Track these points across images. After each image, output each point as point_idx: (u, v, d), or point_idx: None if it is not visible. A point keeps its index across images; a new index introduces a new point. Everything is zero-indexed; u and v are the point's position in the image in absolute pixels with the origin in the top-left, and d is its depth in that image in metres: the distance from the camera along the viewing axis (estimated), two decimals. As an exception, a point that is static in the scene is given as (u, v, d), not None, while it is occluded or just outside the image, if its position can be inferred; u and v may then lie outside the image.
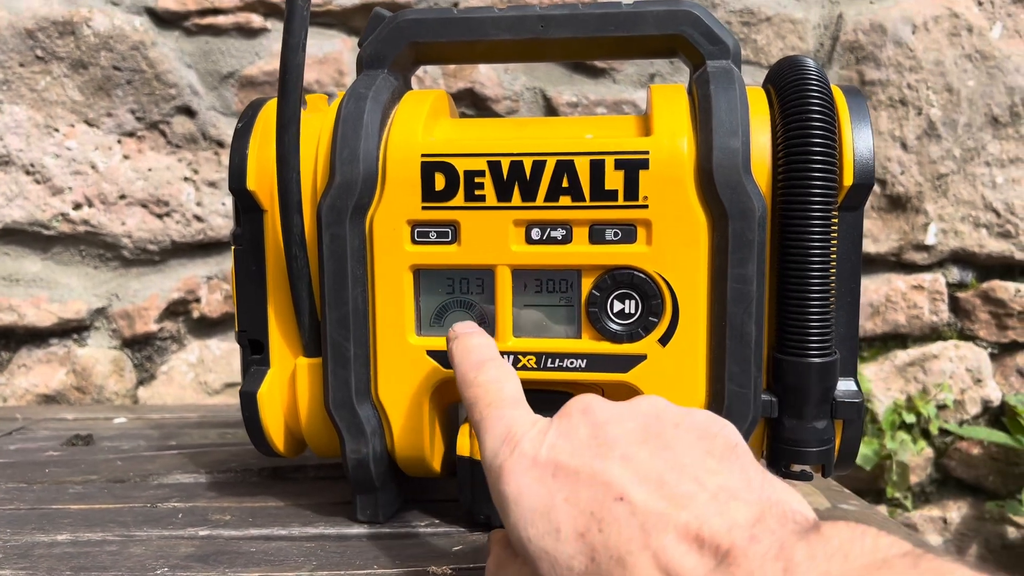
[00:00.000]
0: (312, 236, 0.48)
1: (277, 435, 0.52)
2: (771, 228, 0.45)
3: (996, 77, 0.96)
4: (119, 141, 0.92)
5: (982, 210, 0.98)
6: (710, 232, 0.45)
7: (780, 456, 0.46)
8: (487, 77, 0.94)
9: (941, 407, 1.01)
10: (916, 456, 1.00)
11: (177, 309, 0.95)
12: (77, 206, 0.91)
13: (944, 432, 1.01)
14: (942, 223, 0.98)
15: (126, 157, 0.92)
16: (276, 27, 0.92)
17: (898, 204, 0.98)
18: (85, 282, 0.94)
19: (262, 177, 0.49)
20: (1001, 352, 1.03)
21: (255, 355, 0.51)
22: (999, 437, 0.98)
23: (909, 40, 0.95)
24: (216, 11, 0.91)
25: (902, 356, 1.01)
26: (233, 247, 0.51)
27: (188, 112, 0.93)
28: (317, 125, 0.50)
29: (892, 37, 0.95)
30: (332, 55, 0.93)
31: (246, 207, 0.50)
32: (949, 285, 1.01)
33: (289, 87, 0.45)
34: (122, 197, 0.92)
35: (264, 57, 0.93)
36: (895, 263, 1.00)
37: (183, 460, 0.64)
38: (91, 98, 0.91)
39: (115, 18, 0.90)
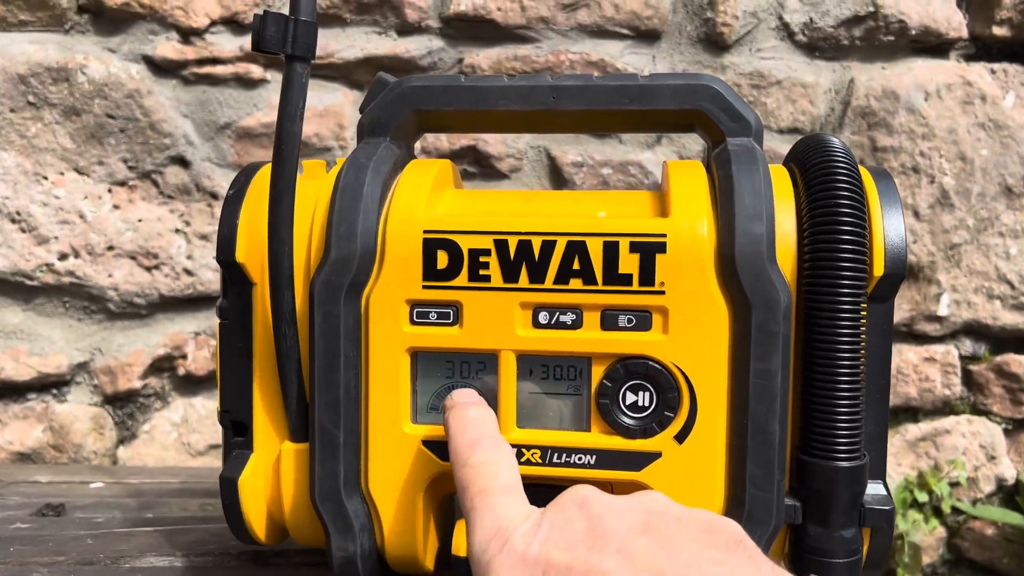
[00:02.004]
0: (303, 313, 0.45)
1: (258, 524, 0.48)
2: (795, 319, 0.42)
3: (1010, 147, 0.94)
4: (110, 190, 0.89)
5: (996, 281, 0.96)
6: (731, 322, 0.41)
7: (803, 566, 0.42)
8: (490, 135, 0.92)
9: (954, 484, 0.97)
10: (928, 536, 0.96)
11: (162, 365, 0.91)
12: (63, 256, 0.88)
13: (957, 511, 0.97)
14: (955, 294, 0.96)
15: (116, 207, 0.89)
16: (276, 78, 0.90)
17: (910, 273, 0.95)
18: (68, 335, 0.90)
19: (252, 248, 0.46)
20: (1016, 428, 1.00)
21: (238, 437, 0.48)
22: (1014, 518, 0.94)
23: (922, 107, 0.93)
24: (215, 60, 0.89)
25: (913, 431, 0.98)
26: (219, 321, 0.48)
27: (182, 162, 0.90)
28: (313, 193, 0.47)
29: (905, 104, 0.93)
30: (333, 108, 0.91)
31: (234, 280, 0.47)
32: (962, 358, 0.98)
33: (284, 156, 0.42)
34: (110, 248, 0.89)
35: (263, 108, 0.90)
36: (906, 334, 0.97)
37: (158, 540, 0.60)
38: (83, 146, 0.89)
39: (111, 65, 0.88)
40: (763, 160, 0.44)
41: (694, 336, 0.42)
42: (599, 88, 0.47)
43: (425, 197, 0.45)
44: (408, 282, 0.43)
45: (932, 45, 0.94)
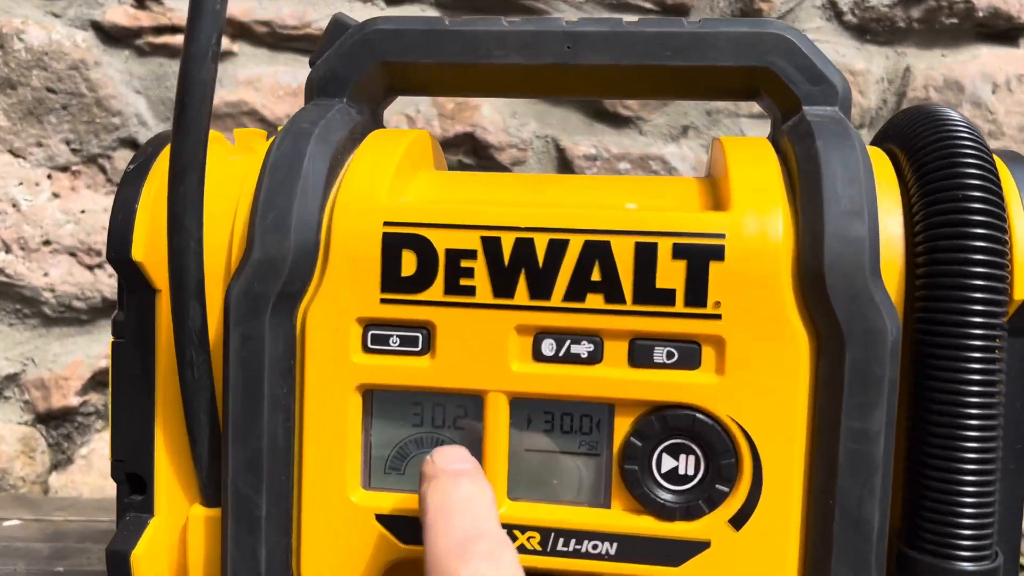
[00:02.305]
0: (220, 333, 0.33)
1: (160, 613, 0.36)
2: (901, 358, 0.30)
3: (1087, 149, 0.82)
4: (49, 176, 0.77)
5: (1068, 303, 0.83)
6: (814, 361, 0.30)
7: None
8: (490, 121, 0.79)
9: None
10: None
11: (104, 379, 0.79)
12: (-9, 251, 0.76)
13: None
14: (1021, 317, 0.83)
15: (56, 195, 0.77)
16: (245, 51, 0.78)
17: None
18: (-4, 342, 0.78)
19: (156, 244, 0.34)
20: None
21: (135, 495, 0.36)
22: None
23: (989, 101, 0.81)
24: (174, 29, 0.77)
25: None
26: (112, 340, 0.36)
27: (134, 145, 0.78)
28: (241, 172, 0.35)
29: (970, 96, 0.80)
30: (309, 87, 0.78)
31: (132, 285, 0.35)
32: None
33: (188, 118, 0.30)
34: (47, 243, 0.77)
35: (228, 86, 0.78)
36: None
37: (55, 609, 0.48)
38: (18, 124, 0.77)
39: (53, 32, 0.76)
40: (858, 136, 0.32)
41: (761, 379, 0.29)
42: (631, 37, 0.35)
43: (389, 178, 0.32)
44: (361, 294, 0.31)
45: (1001, 30, 0.82)
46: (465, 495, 0.27)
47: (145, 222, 0.34)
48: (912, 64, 0.82)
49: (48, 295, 0.77)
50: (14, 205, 0.77)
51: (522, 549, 0.31)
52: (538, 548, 0.31)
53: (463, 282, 0.30)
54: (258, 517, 0.32)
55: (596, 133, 0.80)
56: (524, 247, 0.30)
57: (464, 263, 0.30)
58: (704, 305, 0.29)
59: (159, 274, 0.34)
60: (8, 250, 0.77)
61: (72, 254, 0.77)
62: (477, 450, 0.31)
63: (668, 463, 0.31)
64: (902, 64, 0.82)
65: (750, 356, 0.29)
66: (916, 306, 0.30)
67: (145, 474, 0.35)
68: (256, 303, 0.31)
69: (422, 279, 0.31)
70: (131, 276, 0.34)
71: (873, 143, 0.36)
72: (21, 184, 0.77)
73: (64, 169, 0.78)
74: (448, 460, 0.29)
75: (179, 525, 0.35)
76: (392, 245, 0.31)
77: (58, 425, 0.79)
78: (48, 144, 0.77)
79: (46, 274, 0.77)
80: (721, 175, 0.32)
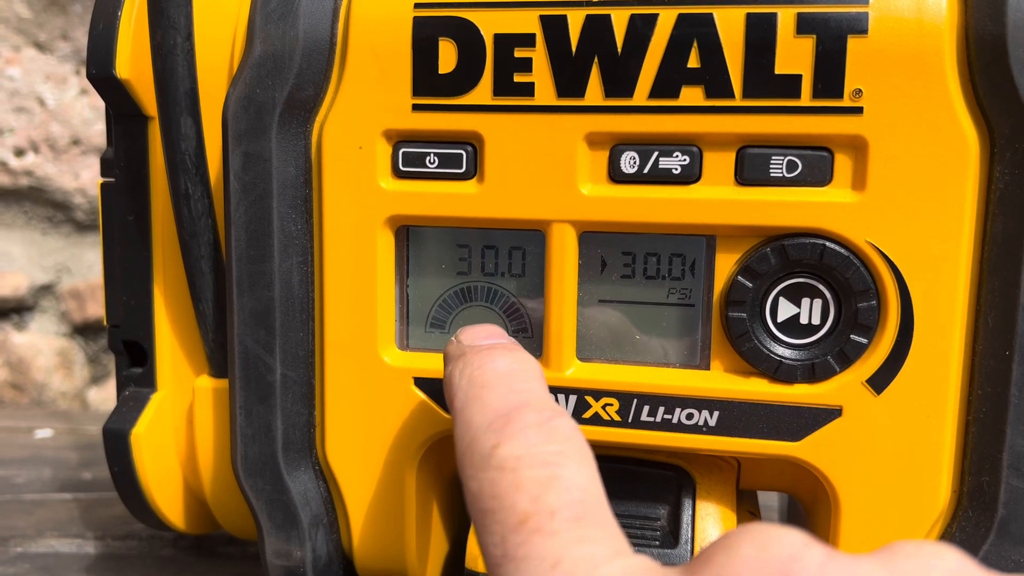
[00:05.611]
0: (220, 159, 0.27)
1: (167, 502, 0.31)
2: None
3: None
4: (77, 72, 0.72)
5: None
6: (985, 168, 0.22)
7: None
8: None
9: None
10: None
11: (143, 289, 0.75)
12: (19, 152, 0.72)
13: None
14: None
15: (84, 92, 0.72)
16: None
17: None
18: (29, 250, 0.74)
19: (145, 59, 0.27)
20: None
21: (135, 368, 0.30)
22: None
23: None
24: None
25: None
26: (101, 181, 0.30)
27: (163, 37, 0.73)
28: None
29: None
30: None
31: (121, 109, 0.29)
32: None
33: None
34: (76, 143, 0.72)
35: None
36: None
37: (73, 513, 0.43)
38: (42, 15, 0.72)
39: (75, -87, 0.71)
40: None
41: (914, 195, 0.22)
42: None
43: (423, -46, 0.26)
44: (388, 100, 0.25)
45: None
46: (504, 368, 0.21)
47: (131, 32, 0.28)
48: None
49: (80, 199, 0.72)
50: (41, 102, 0.72)
51: (596, 420, 0.25)
52: (616, 418, 0.24)
53: (518, 78, 0.24)
54: (271, 383, 0.26)
55: None
56: (597, 27, 0.23)
57: (519, 52, 0.24)
58: (840, 96, 0.22)
59: (150, 96, 0.28)
60: (37, 151, 0.72)
61: (103, 155, 0.73)
62: (536, 321, 0.25)
63: (787, 309, 0.24)
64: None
65: (900, 164, 0.22)
66: None
67: (145, 342, 0.30)
68: (260, 113, 0.25)
69: (465, 77, 0.24)
70: (117, 99, 0.28)
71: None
72: (48, 80, 0.72)
73: (91, 64, 0.73)
74: (477, 337, 0.23)
75: (185, 400, 0.30)
76: (425, 33, 0.24)
77: (96, 337, 0.75)
78: (74, 37, 0.72)
79: (77, 176, 0.72)
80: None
